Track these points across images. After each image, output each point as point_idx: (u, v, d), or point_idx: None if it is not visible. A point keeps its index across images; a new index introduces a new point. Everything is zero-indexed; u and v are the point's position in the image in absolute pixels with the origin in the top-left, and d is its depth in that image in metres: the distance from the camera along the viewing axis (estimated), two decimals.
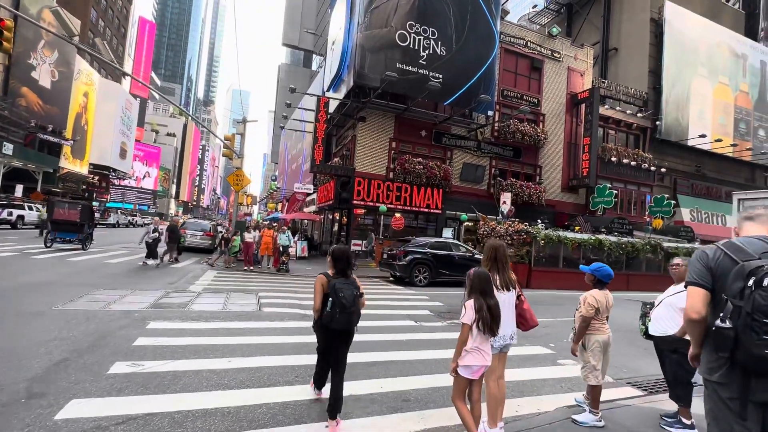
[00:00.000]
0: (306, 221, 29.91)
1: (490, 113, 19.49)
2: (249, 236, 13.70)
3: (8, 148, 27.48)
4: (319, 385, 3.55)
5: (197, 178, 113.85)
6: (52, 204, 14.72)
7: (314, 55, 53.98)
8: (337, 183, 18.53)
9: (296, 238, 17.85)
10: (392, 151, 19.08)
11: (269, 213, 49.22)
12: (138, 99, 66.48)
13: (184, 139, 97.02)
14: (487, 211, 17.92)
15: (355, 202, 17.77)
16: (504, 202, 17.76)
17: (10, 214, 22.81)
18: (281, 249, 13.80)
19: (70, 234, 14.39)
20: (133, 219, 45.73)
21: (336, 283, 3.02)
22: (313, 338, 3.48)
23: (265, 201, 50.83)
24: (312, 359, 3.78)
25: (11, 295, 6.57)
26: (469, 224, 19.09)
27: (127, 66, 62.66)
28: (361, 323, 3.20)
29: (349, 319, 3.01)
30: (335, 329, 3.02)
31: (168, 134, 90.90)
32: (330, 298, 3.01)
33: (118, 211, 45.86)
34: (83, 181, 46.51)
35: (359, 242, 18.25)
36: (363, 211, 18.74)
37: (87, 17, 46.73)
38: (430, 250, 12.53)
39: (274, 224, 19.49)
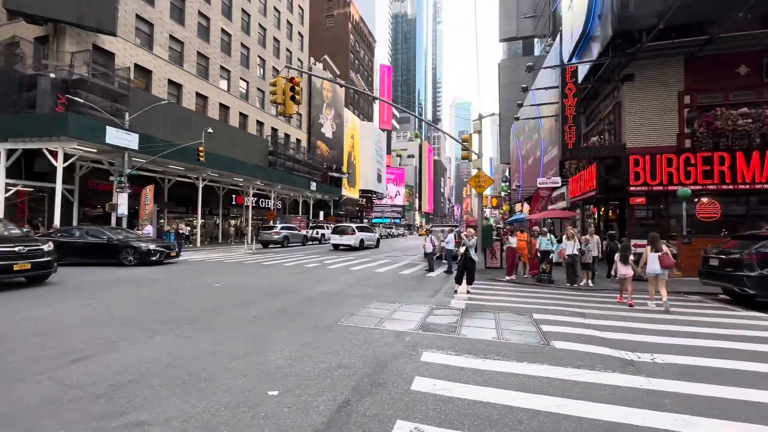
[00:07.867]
0: (550, 220, 26.09)
1: None
2: (512, 240, 12.21)
3: (313, 186, 37.74)
4: None
5: (434, 190, 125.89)
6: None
7: (536, 41, 49.52)
8: (600, 168, 14.50)
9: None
10: (685, 110, 13.34)
11: (505, 217, 47.22)
12: (385, 132, 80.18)
13: (421, 158, 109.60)
14: None
15: (632, 188, 13.29)
16: None
17: (317, 233, 31.33)
18: (540, 255, 11.55)
19: None
20: (390, 231, 54.76)
21: None
22: None
23: (500, 204, 49.45)
24: None
25: (310, 305, 7.45)
26: None
27: (375, 108, 76.82)
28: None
29: None
30: None
31: (408, 156, 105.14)
32: None
33: (380, 225, 55.74)
34: (356, 204, 59.48)
35: (642, 242, 13.47)
36: (643, 200, 13.85)
37: (347, 67, 60.69)
38: None
39: (522, 227, 17.31)
